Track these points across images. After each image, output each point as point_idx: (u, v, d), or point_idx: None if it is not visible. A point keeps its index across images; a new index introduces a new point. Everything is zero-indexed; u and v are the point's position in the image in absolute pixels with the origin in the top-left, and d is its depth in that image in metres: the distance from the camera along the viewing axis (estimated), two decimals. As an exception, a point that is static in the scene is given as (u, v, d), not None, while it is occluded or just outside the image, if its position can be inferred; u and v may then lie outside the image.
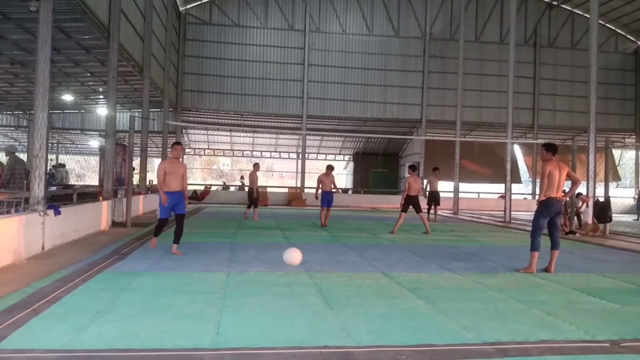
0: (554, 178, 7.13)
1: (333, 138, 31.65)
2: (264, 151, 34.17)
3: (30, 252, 7.30)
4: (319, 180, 13.56)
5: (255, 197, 15.00)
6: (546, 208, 7.15)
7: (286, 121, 28.20)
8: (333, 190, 13.71)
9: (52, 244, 8.12)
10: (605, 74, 27.38)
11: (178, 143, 8.19)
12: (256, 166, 15.18)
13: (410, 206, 12.20)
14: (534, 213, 7.41)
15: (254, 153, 34.19)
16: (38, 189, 7.91)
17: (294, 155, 33.03)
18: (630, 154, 31.87)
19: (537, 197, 8.05)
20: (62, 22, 12.70)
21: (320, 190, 13.44)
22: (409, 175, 12.54)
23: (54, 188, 14.94)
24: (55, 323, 4.12)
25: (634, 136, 30.12)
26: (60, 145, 28.87)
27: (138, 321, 4.23)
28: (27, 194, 8.11)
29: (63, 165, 23.26)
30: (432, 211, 16.15)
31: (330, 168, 13.70)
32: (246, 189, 27.73)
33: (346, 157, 33.92)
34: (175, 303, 4.87)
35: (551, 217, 7.21)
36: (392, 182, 30.65)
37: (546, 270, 7.20)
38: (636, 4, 25.91)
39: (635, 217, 21.67)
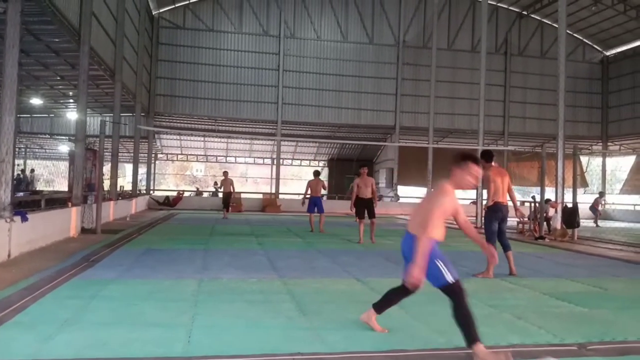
0: (497, 184, 7.29)
1: (308, 144, 31.67)
2: (238, 157, 33.98)
3: (-5, 259, 7.09)
4: (308, 186, 13.91)
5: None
6: (494, 212, 7.31)
7: (261, 127, 28.12)
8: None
9: (19, 251, 7.90)
10: (574, 82, 28.10)
11: None
12: (226, 173, 18.44)
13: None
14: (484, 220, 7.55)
15: (228, 158, 33.96)
16: (4, 195, 7.71)
17: (268, 161, 32.93)
18: (598, 161, 32.71)
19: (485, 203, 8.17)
20: (31, 24, 12.42)
21: (308, 196, 13.85)
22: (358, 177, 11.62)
23: (21, 194, 14.59)
24: (20, 332, 4.00)
25: (601, 143, 30.93)
26: (28, 150, 28.20)
27: (108, 329, 4.15)
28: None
29: (32, 170, 22.77)
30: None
31: (317, 173, 14.23)
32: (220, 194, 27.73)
33: (321, 163, 33.95)
34: (146, 311, 4.79)
35: (498, 222, 7.33)
36: (366, 188, 30.72)
37: (511, 273, 7.33)
38: (602, 15, 26.71)
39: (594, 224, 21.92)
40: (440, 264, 3.77)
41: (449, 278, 3.72)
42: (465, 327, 3.64)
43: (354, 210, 11.60)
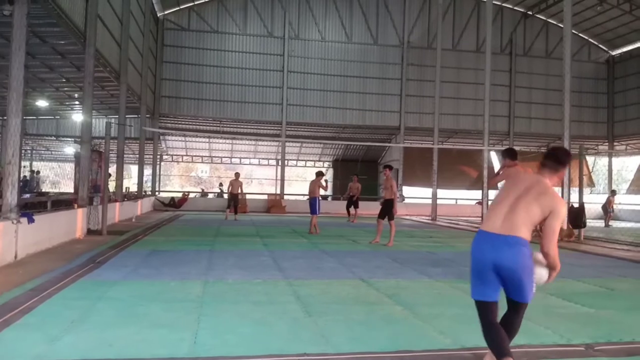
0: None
1: (312, 145, 31.68)
2: (243, 158, 34.02)
3: (2, 261, 7.13)
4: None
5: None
6: None
7: (265, 128, 28.14)
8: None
9: (25, 252, 7.94)
10: (579, 82, 27.96)
11: None
12: (237, 175, 18.33)
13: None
14: None
15: (233, 160, 34.02)
16: (11, 197, 7.74)
17: (273, 162, 32.96)
18: (604, 161, 32.57)
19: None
20: (37, 26, 12.50)
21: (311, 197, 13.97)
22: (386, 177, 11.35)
23: (27, 195, 14.66)
24: (28, 333, 4.02)
25: (607, 143, 30.79)
26: (34, 151, 28.32)
27: (114, 330, 4.16)
28: (0, 202, 7.93)
29: (38, 172, 22.86)
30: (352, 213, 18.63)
31: (317, 174, 14.18)
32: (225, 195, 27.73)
33: (325, 164, 33.95)
34: (151, 312, 4.80)
35: None
36: (371, 188, 30.77)
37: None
38: (608, 15, 26.59)
39: (603, 223, 21.82)
40: (533, 282, 3.26)
41: (531, 298, 3.28)
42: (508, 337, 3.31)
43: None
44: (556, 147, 3.62)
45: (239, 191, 18.13)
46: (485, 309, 3.28)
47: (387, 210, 11.17)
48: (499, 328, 3.24)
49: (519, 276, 3.16)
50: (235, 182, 17.97)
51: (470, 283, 3.31)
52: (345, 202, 20.12)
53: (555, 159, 3.39)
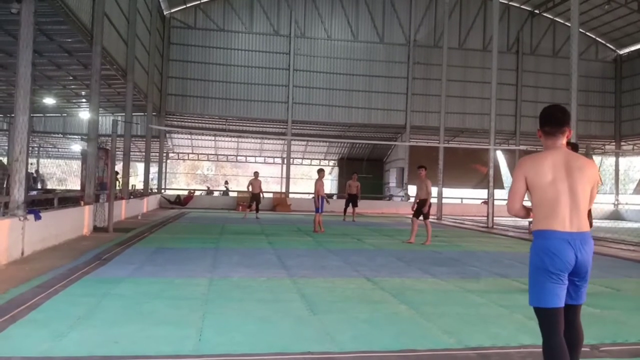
0: None
1: (318, 143, 31.66)
2: (248, 156, 34.06)
3: (9, 257, 7.17)
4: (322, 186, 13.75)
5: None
6: None
7: (271, 126, 28.17)
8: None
9: (32, 249, 7.99)
10: (586, 81, 27.83)
11: None
12: (257, 174, 18.44)
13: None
14: None
15: (239, 158, 34.06)
16: (18, 194, 7.79)
17: (278, 160, 32.99)
18: (610, 161, 32.40)
19: None
20: (44, 24, 12.56)
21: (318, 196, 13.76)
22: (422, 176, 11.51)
23: (34, 192, 14.74)
24: (34, 330, 4.05)
25: (614, 143, 30.62)
26: (41, 149, 28.46)
27: (119, 327, 4.18)
28: (7, 199, 7.98)
29: (35, 171, 22.99)
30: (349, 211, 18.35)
31: (319, 172, 13.99)
32: (232, 194, 27.74)
33: (331, 163, 33.94)
34: (157, 309, 4.82)
35: None
36: (376, 187, 30.77)
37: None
38: (615, 14, 26.43)
39: None
40: None
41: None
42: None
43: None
44: (548, 107, 3.04)
45: (260, 190, 18.09)
46: (558, 318, 2.98)
47: (421, 209, 11.38)
48: (565, 347, 2.96)
49: (589, 274, 2.98)
50: (255, 181, 17.94)
51: (540, 291, 2.95)
52: (343, 201, 19.83)
53: (556, 121, 2.97)
